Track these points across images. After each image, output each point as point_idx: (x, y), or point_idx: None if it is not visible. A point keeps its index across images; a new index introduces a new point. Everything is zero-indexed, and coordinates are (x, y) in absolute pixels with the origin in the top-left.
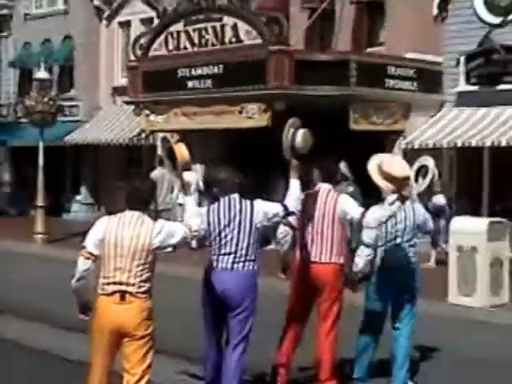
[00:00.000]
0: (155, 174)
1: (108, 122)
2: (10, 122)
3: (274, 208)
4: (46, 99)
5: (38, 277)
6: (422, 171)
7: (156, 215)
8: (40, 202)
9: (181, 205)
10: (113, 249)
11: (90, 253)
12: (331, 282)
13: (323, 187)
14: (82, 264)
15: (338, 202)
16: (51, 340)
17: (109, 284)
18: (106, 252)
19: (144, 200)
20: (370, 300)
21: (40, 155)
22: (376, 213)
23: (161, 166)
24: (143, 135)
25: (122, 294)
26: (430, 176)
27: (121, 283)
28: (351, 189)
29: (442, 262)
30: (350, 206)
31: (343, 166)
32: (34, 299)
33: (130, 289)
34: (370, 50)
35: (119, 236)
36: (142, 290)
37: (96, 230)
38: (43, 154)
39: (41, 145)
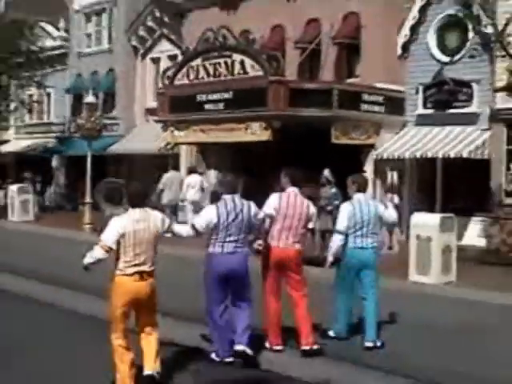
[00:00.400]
0: (167, 176)
1: (141, 136)
2: (66, 137)
3: (257, 211)
4: (93, 118)
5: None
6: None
7: (162, 209)
8: (88, 199)
9: (184, 200)
10: (132, 239)
11: (110, 248)
12: (299, 261)
13: (292, 190)
14: (101, 255)
15: (309, 206)
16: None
17: (129, 267)
18: (127, 242)
19: (143, 199)
20: (341, 275)
21: (88, 163)
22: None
23: (173, 170)
24: (169, 146)
25: (141, 274)
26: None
27: (139, 265)
28: (334, 190)
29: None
30: (313, 210)
31: (327, 172)
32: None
33: (146, 269)
34: (348, 80)
35: (136, 229)
36: (152, 269)
37: (115, 227)
38: (91, 162)
39: (89, 154)
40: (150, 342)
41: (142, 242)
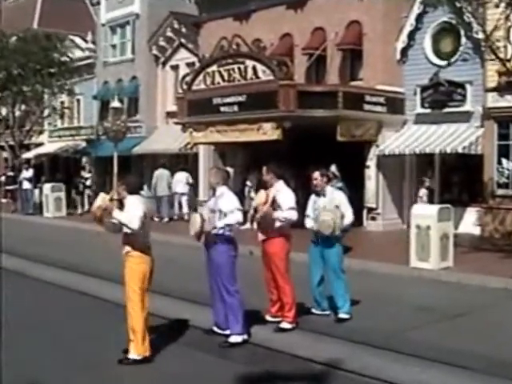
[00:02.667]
0: (157, 173)
1: (162, 137)
2: (94, 139)
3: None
4: (118, 122)
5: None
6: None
7: (157, 200)
8: (115, 196)
9: (175, 193)
10: (148, 220)
11: (143, 222)
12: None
13: (281, 183)
14: (138, 225)
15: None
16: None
17: (146, 244)
18: (146, 222)
19: (140, 188)
20: (342, 257)
21: (114, 162)
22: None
23: (161, 168)
24: (189, 146)
25: (149, 246)
26: None
27: (148, 241)
28: (340, 184)
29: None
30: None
31: (334, 168)
32: (94, 260)
33: (150, 241)
34: (352, 83)
35: (148, 209)
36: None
37: (140, 206)
38: (117, 162)
39: (115, 155)
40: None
41: (149, 221)
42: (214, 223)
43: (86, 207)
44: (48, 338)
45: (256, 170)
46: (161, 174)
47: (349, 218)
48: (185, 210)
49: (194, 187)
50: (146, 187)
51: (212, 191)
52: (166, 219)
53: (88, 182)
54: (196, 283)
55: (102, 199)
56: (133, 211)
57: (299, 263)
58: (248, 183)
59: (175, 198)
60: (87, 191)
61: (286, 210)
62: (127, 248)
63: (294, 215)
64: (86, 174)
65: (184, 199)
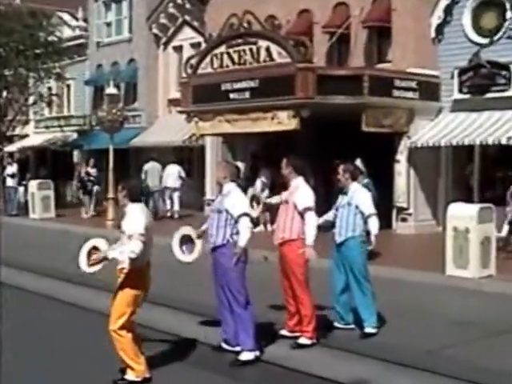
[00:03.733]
0: (148, 166)
1: (165, 127)
2: (86, 130)
3: None
4: (114, 111)
5: None
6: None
7: (148, 194)
8: (110, 194)
9: (166, 188)
10: (150, 232)
11: (146, 238)
12: None
13: (301, 181)
14: (142, 247)
15: None
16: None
17: (145, 260)
18: (147, 233)
19: (142, 193)
20: (365, 263)
21: (110, 156)
22: None
23: (152, 161)
24: (194, 138)
25: (148, 262)
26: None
27: (148, 255)
28: (365, 181)
29: None
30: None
31: (359, 162)
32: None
33: (149, 257)
34: (379, 65)
35: (149, 220)
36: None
37: (142, 219)
38: (113, 156)
39: (111, 148)
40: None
41: (152, 234)
42: (220, 228)
43: (92, 209)
44: (36, 355)
45: (269, 166)
46: (152, 167)
47: (373, 222)
48: (176, 207)
49: (185, 181)
50: (173, 188)
51: (219, 188)
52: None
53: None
54: (201, 293)
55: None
56: (134, 227)
57: (321, 270)
58: (260, 181)
59: (166, 194)
60: (95, 189)
61: (302, 209)
62: (122, 263)
63: (311, 218)
64: (91, 170)
65: (176, 195)
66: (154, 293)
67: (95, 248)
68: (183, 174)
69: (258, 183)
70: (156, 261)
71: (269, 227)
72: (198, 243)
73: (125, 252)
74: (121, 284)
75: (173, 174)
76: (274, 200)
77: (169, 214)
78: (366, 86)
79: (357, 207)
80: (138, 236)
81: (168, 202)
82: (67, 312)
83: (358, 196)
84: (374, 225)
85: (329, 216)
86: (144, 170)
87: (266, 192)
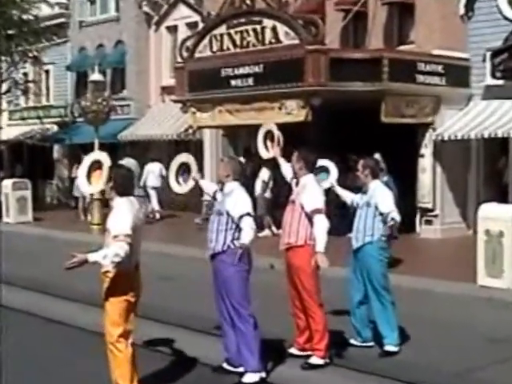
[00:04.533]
0: (123, 163)
1: (157, 119)
2: (68, 122)
3: None
4: (100, 100)
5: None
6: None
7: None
8: (96, 194)
9: (146, 186)
10: (137, 230)
11: (132, 239)
12: None
13: (310, 178)
14: (128, 249)
15: None
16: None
17: (133, 262)
18: (135, 232)
19: (133, 186)
20: (386, 273)
21: (95, 152)
22: None
23: (127, 158)
24: (190, 131)
25: (137, 264)
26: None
27: (136, 256)
28: (385, 178)
29: None
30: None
31: (378, 157)
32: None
33: (139, 258)
34: (401, 47)
35: (139, 218)
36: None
37: (129, 217)
38: (99, 151)
39: (96, 142)
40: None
41: (140, 232)
42: (220, 233)
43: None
44: (15, 379)
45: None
46: (127, 164)
47: (393, 218)
48: (155, 207)
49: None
50: (153, 187)
51: (220, 187)
52: None
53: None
54: (199, 304)
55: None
56: (119, 227)
57: (334, 279)
58: (261, 181)
59: (147, 193)
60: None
61: (310, 211)
62: (106, 266)
63: (321, 221)
64: (75, 170)
65: (153, 194)
66: (143, 304)
67: (185, 164)
68: (164, 172)
69: (258, 184)
70: (142, 268)
71: (274, 230)
72: (194, 170)
73: (108, 255)
74: (107, 290)
75: (153, 172)
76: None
77: (151, 216)
78: (385, 71)
79: (376, 208)
80: (124, 238)
81: (154, 201)
82: (48, 329)
83: (378, 194)
84: (395, 216)
85: (354, 198)
86: (75, 166)
87: (268, 194)
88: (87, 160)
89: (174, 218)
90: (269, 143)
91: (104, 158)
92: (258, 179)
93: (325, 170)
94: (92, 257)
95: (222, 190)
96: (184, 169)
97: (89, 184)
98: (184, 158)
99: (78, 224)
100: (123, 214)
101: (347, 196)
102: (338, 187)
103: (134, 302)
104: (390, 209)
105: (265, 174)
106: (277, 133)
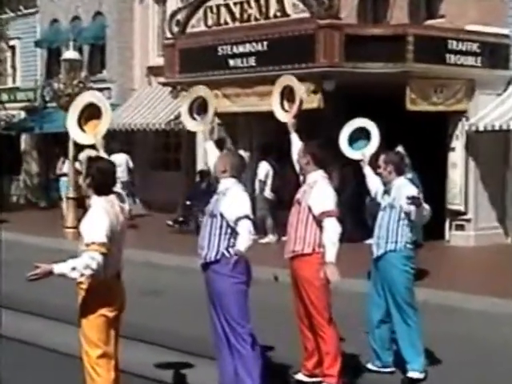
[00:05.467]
0: (82, 155)
1: (143, 105)
2: (37, 108)
3: None
4: (75, 82)
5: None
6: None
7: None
8: (71, 193)
9: None
10: (117, 234)
11: (108, 248)
12: None
13: (321, 175)
14: (102, 260)
15: None
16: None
17: (113, 270)
18: (113, 238)
19: (114, 183)
20: (411, 287)
21: (70, 144)
22: None
23: (88, 149)
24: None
25: (118, 273)
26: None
27: (118, 264)
28: (409, 175)
29: None
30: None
31: (401, 151)
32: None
33: (120, 266)
34: (429, 22)
35: (119, 221)
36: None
37: (104, 222)
38: (73, 142)
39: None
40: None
41: (122, 238)
42: (214, 238)
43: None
44: None
45: (270, 157)
46: (87, 157)
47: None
48: (126, 205)
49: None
50: (120, 182)
51: (215, 185)
52: None
53: (65, 178)
54: (190, 322)
55: None
56: (92, 235)
57: (349, 294)
58: (258, 180)
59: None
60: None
61: (318, 214)
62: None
63: (332, 226)
64: (61, 166)
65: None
66: (126, 323)
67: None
68: (131, 164)
69: (256, 183)
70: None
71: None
72: (211, 105)
73: (78, 267)
74: (82, 303)
75: (120, 166)
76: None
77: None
78: (410, 50)
79: (402, 210)
80: (97, 246)
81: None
82: (14, 349)
83: (404, 193)
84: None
85: (378, 189)
86: (79, 161)
87: (267, 193)
88: (79, 103)
89: (149, 219)
90: (286, 103)
91: (101, 100)
92: (256, 178)
93: (364, 134)
94: (58, 268)
95: (211, 189)
96: (199, 105)
97: (82, 132)
98: (199, 91)
99: (52, 227)
100: (99, 217)
101: (373, 182)
102: (368, 167)
103: (115, 317)
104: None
105: (262, 170)
106: (299, 88)
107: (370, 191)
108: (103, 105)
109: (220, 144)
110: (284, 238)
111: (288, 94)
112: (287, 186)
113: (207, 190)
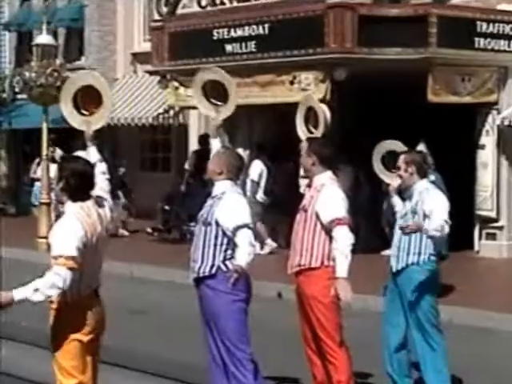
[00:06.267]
0: (57, 155)
1: (127, 97)
2: (6, 100)
3: None
4: (49, 70)
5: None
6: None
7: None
8: (45, 198)
9: None
10: (93, 246)
11: (78, 263)
12: None
13: (330, 178)
14: (70, 276)
15: None
16: None
17: (88, 287)
18: (88, 251)
19: (92, 186)
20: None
21: (44, 140)
22: None
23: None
24: (171, 113)
25: (95, 290)
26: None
27: (95, 280)
28: (433, 177)
29: None
30: None
31: (422, 149)
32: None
33: (98, 284)
34: (454, 1)
35: (96, 231)
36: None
37: (76, 232)
38: (47, 139)
39: (44, 127)
40: None
41: (101, 249)
42: (208, 250)
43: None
44: None
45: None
46: (60, 157)
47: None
48: None
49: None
50: (102, 184)
51: (210, 187)
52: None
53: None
54: (180, 348)
55: None
56: (60, 247)
57: (364, 313)
58: (250, 180)
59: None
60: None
61: (327, 222)
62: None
63: (343, 235)
64: (36, 168)
65: None
66: (108, 347)
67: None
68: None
69: (248, 184)
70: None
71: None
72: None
73: (41, 288)
74: (52, 326)
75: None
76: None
77: None
78: (433, 33)
79: (425, 216)
80: (65, 261)
81: None
82: None
83: (427, 199)
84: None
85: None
86: (36, 161)
87: (260, 196)
88: (73, 83)
89: (133, 226)
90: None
91: (98, 81)
92: (248, 178)
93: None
94: (18, 294)
95: (191, 191)
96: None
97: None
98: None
99: (23, 237)
100: (69, 227)
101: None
102: (397, 196)
103: (91, 341)
104: (442, 218)
105: (255, 169)
106: (321, 110)
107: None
108: (103, 89)
109: (201, 140)
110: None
111: (313, 117)
112: (282, 188)
113: (186, 192)
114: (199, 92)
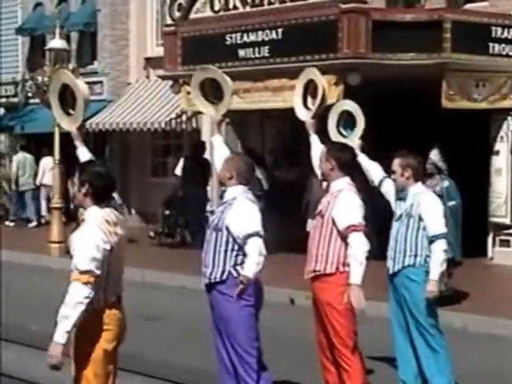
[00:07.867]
0: (18, 157)
1: (139, 101)
2: (17, 104)
3: None
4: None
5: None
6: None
7: (19, 194)
8: (56, 202)
9: (43, 185)
10: (115, 253)
11: (94, 275)
12: None
13: (348, 183)
14: (87, 290)
15: None
16: None
17: (112, 294)
18: (111, 258)
19: (114, 187)
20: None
21: (55, 145)
22: None
23: (22, 151)
24: (184, 117)
25: (118, 297)
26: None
27: (118, 288)
28: (446, 184)
29: None
30: None
31: (435, 155)
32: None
33: (120, 289)
34: (469, 6)
35: (117, 237)
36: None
37: (95, 241)
38: (59, 144)
39: (56, 131)
40: None
41: (122, 255)
42: (219, 255)
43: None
44: None
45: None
46: (22, 159)
47: (438, 252)
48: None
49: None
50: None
51: (221, 193)
52: (34, 223)
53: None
54: (195, 354)
55: None
56: (76, 259)
57: (378, 320)
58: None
59: (41, 193)
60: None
61: (343, 228)
62: None
63: (359, 242)
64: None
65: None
66: (124, 354)
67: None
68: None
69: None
70: None
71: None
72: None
73: (69, 313)
74: (79, 333)
75: (50, 169)
76: None
77: (44, 221)
78: (447, 39)
79: (421, 219)
80: (79, 275)
81: (44, 203)
82: None
83: (422, 202)
84: (438, 257)
85: (384, 181)
86: (14, 163)
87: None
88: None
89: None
90: (310, 100)
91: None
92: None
93: (350, 120)
94: (58, 336)
95: (222, 196)
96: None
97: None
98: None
99: (36, 242)
100: (90, 236)
101: (374, 170)
102: (363, 154)
103: (114, 349)
104: (437, 230)
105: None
106: (321, 82)
107: (373, 181)
108: (74, 84)
109: (197, 146)
110: None
111: (312, 91)
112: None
113: (185, 198)
114: (197, 91)
